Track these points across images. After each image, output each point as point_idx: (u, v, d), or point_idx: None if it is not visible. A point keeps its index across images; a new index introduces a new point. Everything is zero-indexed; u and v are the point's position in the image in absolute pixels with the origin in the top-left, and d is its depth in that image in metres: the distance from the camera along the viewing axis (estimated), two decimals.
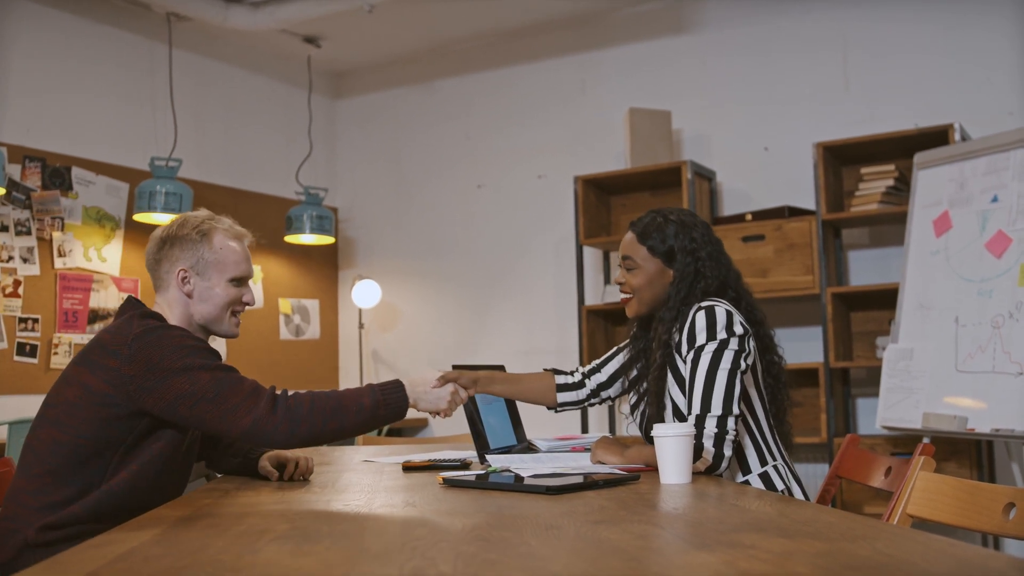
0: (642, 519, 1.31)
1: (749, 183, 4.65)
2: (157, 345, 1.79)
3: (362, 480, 1.95)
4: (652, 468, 1.88)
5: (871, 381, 4.20)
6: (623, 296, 2.24)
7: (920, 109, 4.20)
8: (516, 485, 1.65)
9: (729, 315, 2.04)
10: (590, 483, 1.66)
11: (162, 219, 4.44)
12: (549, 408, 2.45)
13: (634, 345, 2.30)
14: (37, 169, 4.37)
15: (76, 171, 4.52)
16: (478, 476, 1.79)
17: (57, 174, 4.44)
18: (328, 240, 5.34)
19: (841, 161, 4.29)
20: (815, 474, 4.22)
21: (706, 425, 1.95)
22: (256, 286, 5.21)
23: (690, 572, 0.97)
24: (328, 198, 5.64)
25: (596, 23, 5.12)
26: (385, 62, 5.75)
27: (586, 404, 2.46)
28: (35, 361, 4.28)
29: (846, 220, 4.15)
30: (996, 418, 3.12)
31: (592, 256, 4.95)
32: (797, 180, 4.40)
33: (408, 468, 2.15)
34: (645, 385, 2.19)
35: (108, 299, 4.58)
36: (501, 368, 2.54)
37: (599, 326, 4.73)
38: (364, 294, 5.38)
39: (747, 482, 2.07)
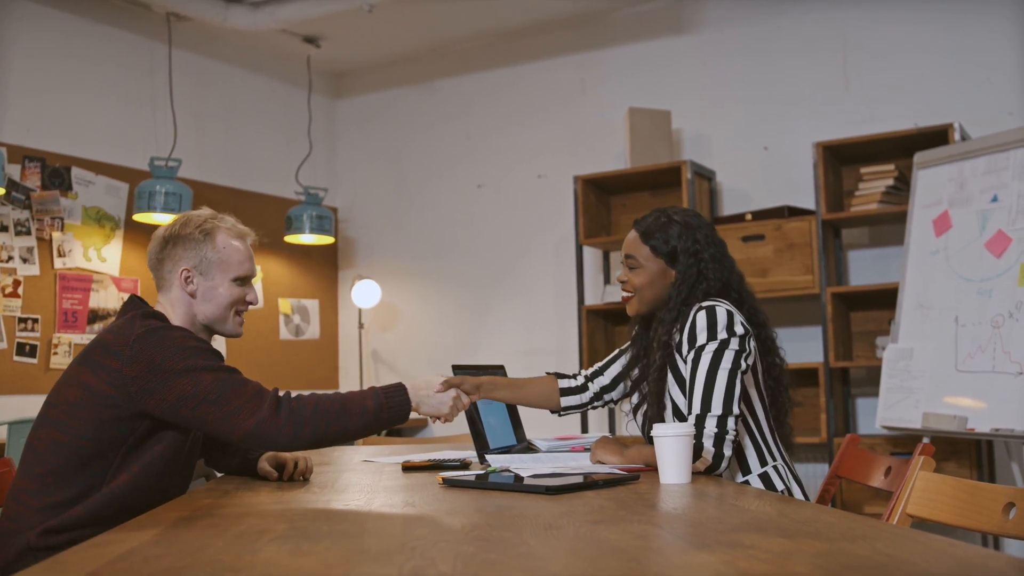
0: (642, 519, 1.31)
1: (749, 183, 4.65)
2: (159, 346, 1.77)
3: (362, 480, 1.95)
4: (652, 468, 1.88)
5: (871, 381, 4.20)
6: (624, 294, 2.24)
7: (920, 109, 4.20)
8: (516, 485, 1.64)
9: (730, 315, 2.03)
10: (590, 483, 1.66)
11: (162, 219, 4.44)
12: (552, 412, 2.45)
13: (635, 345, 2.29)
14: (37, 169, 4.37)
15: (76, 171, 4.52)
16: (478, 476, 1.79)
17: (57, 174, 4.44)
18: (328, 240, 5.34)
19: (841, 161, 4.29)
20: (815, 474, 4.22)
21: (706, 425, 1.95)
22: (256, 286, 5.19)
23: (690, 572, 0.97)
24: (328, 198, 5.64)
25: (596, 23, 5.12)
26: (385, 62, 5.75)
27: (589, 407, 2.46)
28: (35, 361, 4.28)
29: (846, 220, 4.15)
30: (996, 418, 3.12)
31: (592, 256, 4.95)
32: (797, 180, 4.40)
33: (408, 468, 2.15)
34: (646, 386, 2.19)
35: (108, 299, 4.58)
36: (501, 368, 2.55)
37: (599, 326, 4.73)
38: (364, 294, 5.38)
39: (747, 482, 2.07)
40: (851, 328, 4.26)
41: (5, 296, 4.20)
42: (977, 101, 4.13)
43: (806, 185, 4.29)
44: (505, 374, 2.54)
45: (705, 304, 2.07)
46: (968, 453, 3.66)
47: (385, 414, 1.85)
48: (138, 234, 4.70)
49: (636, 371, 2.28)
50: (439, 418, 2.01)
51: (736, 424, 1.97)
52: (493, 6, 4.96)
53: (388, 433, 4.96)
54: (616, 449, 2.07)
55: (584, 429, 4.61)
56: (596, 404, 2.45)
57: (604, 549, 1.09)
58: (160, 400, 1.75)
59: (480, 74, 5.48)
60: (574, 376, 2.45)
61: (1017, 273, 3.17)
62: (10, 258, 4.24)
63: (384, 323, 5.67)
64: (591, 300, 4.74)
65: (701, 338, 2.02)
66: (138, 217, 4.55)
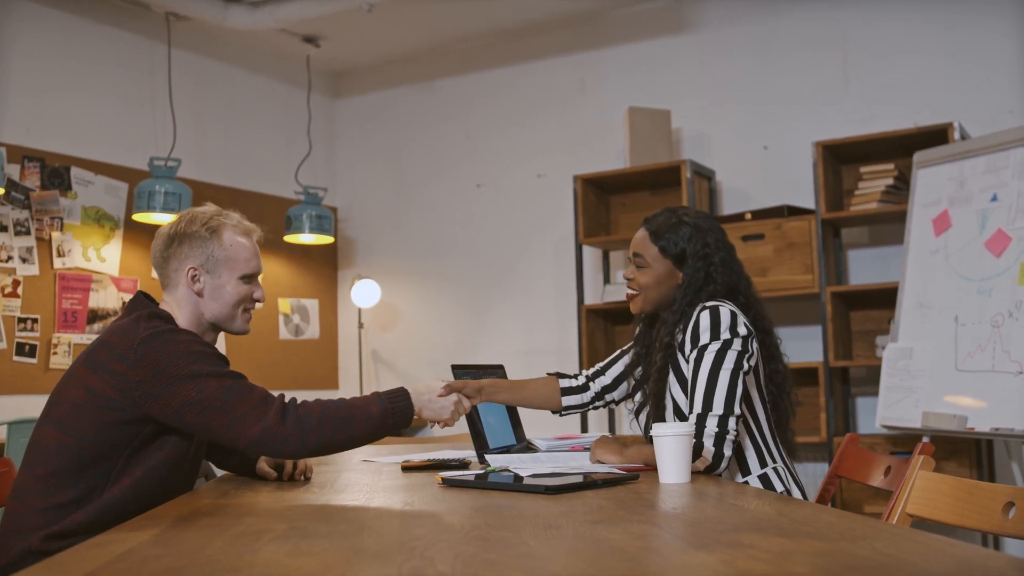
0: (641, 519, 1.31)
1: (748, 182, 4.65)
2: (163, 351, 1.75)
3: (361, 480, 1.95)
4: (651, 468, 1.88)
5: (871, 380, 4.20)
6: (629, 292, 2.23)
7: (919, 108, 4.20)
8: (515, 485, 1.64)
9: (733, 315, 2.03)
10: (589, 483, 1.66)
11: (161, 219, 4.44)
12: (553, 412, 2.45)
13: (638, 344, 2.29)
14: (36, 169, 4.36)
15: (75, 171, 4.51)
16: (477, 476, 1.79)
17: (56, 174, 4.44)
18: (327, 240, 5.34)
19: (840, 160, 4.29)
20: (815, 473, 4.22)
21: (707, 424, 1.94)
22: None
23: (689, 572, 0.96)
24: (327, 198, 5.64)
25: (595, 23, 5.12)
26: (384, 62, 5.74)
27: (590, 408, 2.45)
28: (34, 361, 4.28)
29: (845, 219, 4.15)
30: (996, 417, 3.11)
31: (592, 256, 4.94)
32: (797, 179, 4.40)
33: (407, 468, 2.15)
34: (648, 387, 2.19)
35: (107, 299, 4.58)
36: (500, 368, 2.54)
37: (599, 326, 4.73)
38: (364, 294, 5.37)
39: (746, 483, 2.07)
40: (851, 327, 4.26)
41: (5, 296, 4.20)
42: (977, 100, 4.13)
43: (806, 184, 4.29)
44: (505, 374, 2.54)
45: (709, 304, 2.06)
46: (968, 452, 3.66)
47: (390, 420, 1.84)
48: (138, 234, 4.70)
49: (639, 371, 2.28)
50: (441, 423, 2.00)
51: (737, 424, 1.97)
52: (493, 6, 4.96)
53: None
54: (616, 449, 2.07)
55: (584, 429, 4.61)
56: (597, 404, 2.44)
57: (603, 549, 1.09)
58: (164, 406, 1.73)
59: (480, 74, 5.48)
60: (575, 376, 2.45)
61: (1017, 272, 3.17)
62: (9, 258, 4.24)
63: (384, 323, 5.66)
64: (591, 300, 4.73)
65: (704, 338, 2.01)
66: (138, 217, 4.55)
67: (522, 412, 2.57)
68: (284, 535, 1.23)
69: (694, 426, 1.94)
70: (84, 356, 1.84)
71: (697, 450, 1.91)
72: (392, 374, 5.59)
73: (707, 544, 1.10)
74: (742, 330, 2.02)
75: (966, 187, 3.43)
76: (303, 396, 1.89)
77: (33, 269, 4.31)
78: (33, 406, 3.94)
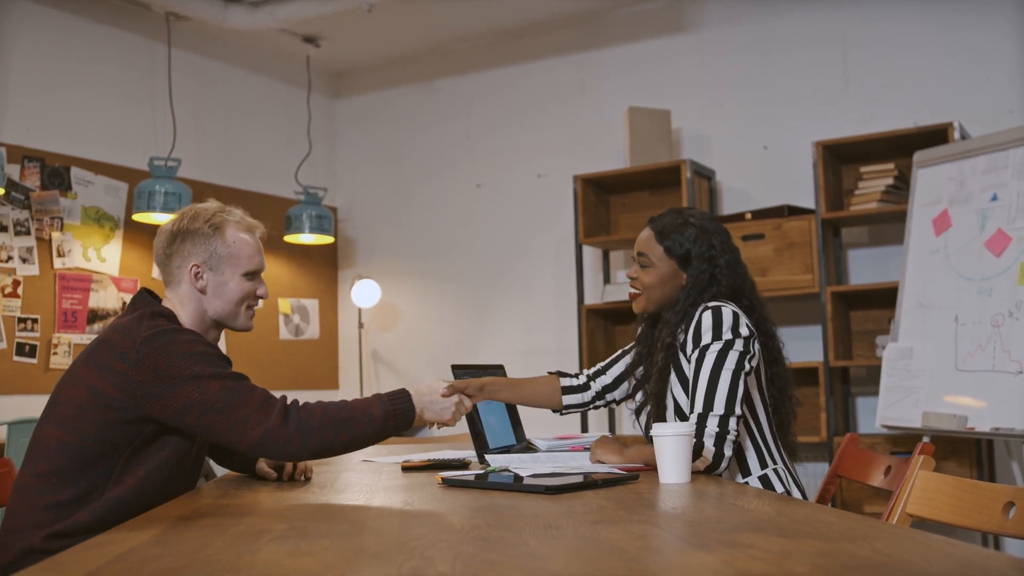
0: (641, 519, 1.31)
1: (748, 182, 4.65)
2: (165, 351, 1.74)
3: (361, 480, 1.95)
4: (652, 468, 1.88)
5: (871, 380, 4.20)
6: (632, 291, 2.23)
7: (919, 108, 4.20)
8: (515, 485, 1.64)
9: (735, 316, 2.03)
10: (589, 483, 1.66)
11: (161, 219, 4.44)
12: (554, 411, 2.45)
13: (640, 344, 2.29)
14: (36, 169, 4.37)
15: (75, 171, 4.51)
16: (477, 476, 1.79)
17: (56, 174, 4.44)
18: (327, 240, 5.34)
19: (840, 160, 4.29)
20: (815, 473, 4.21)
21: (708, 424, 1.94)
22: None
23: (688, 572, 0.96)
24: (327, 198, 5.64)
25: (595, 22, 5.12)
26: (384, 62, 5.74)
27: (591, 407, 2.45)
28: (34, 361, 4.28)
29: (846, 219, 4.15)
30: (996, 417, 3.11)
31: (592, 255, 4.94)
32: (796, 179, 4.40)
33: (407, 468, 2.15)
34: (649, 387, 2.19)
35: (107, 299, 4.58)
36: (500, 368, 2.54)
37: (599, 326, 4.73)
38: (364, 294, 5.37)
39: (746, 484, 2.06)
40: (851, 327, 4.26)
41: (5, 296, 4.20)
42: (977, 100, 4.13)
43: (806, 184, 4.29)
44: (505, 374, 2.54)
45: (711, 304, 2.06)
46: (968, 452, 3.66)
47: (392, 422, 1.83)
48: (138, 234, 4.70)
49: (640, 371, 2.28)
50: (443, 423, 2.00)
51: (738, 425, 1.96)
52: (493, 6, 4.96)
53: None
54: (616, 448, 2.07)
55: (584, 428, 4.61)
56: (598, 404, 2.44)
57: (603, 549, 1.09)
58: (166, 406, 1.72)
59: (480, 74, 5.48)
60: (576, 375, 2.45)
61: (1017, 272, 3.17)
62: (9, 258, 4.24)
63: (384, 323, 5.66)
64: (591, 300, 4.73)
65: (706, 338, 2.01)
66: (137, 217, 4.55)
67: (522, 412, 2.57)
68: (284, 535, 1.23)
69: (695, 426, 1.94)
70: (86, 354, 1.83)
71: (697, 450, 1.91)
72: (392, 374, 5.59)
73: (707, 544, 1.10)
74: (744, 331, 2.02)
75: (966, 187, 3.43)
76: (303, 397, 1.89)
77: (33, 269, 4.31)
78: (33, 406, 3.94)
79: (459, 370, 2.33)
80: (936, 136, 3.86)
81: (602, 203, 4.84)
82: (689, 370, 2.05)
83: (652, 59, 4.95)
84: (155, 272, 4.71)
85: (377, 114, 5.82)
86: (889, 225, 4.25)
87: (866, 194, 4.03)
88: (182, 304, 1.93)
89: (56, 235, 4.39)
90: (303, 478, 2.00)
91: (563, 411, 2.44)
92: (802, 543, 1.09)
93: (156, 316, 1.83)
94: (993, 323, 3.20)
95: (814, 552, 1.03)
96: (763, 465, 2.09)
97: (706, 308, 2.05)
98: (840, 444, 2.31)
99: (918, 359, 3.42)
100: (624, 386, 2.41)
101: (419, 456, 2.36)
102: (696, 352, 2.02)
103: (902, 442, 3.80)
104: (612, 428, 4.80)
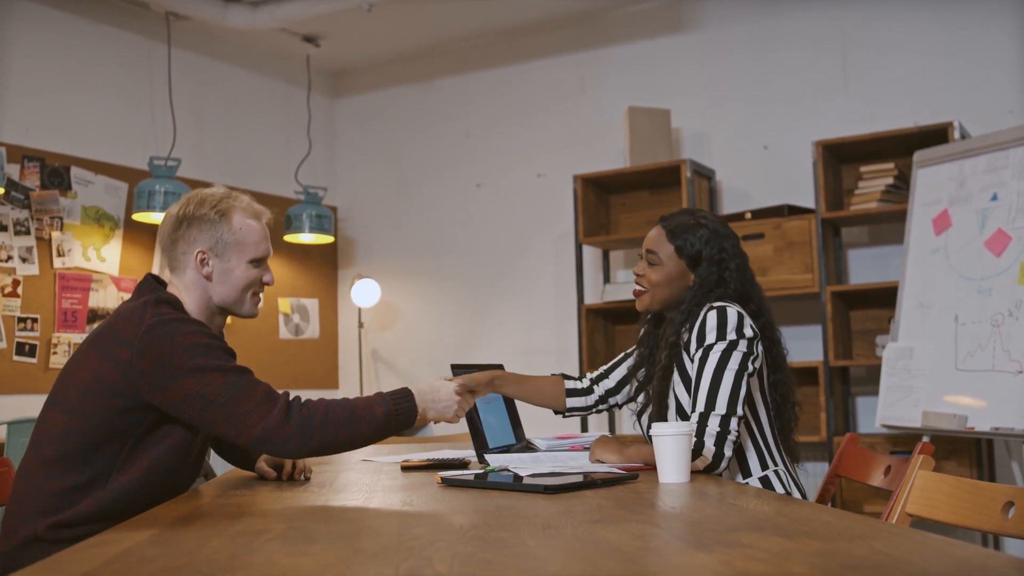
0: (640, 518, 1.30)
1: (748, 181, 4.65)
2: (169, 341, 1.72)
3: (360, 480, 1.95)
4: (651, 467, 1.88)
5: (871, 380, 4.19)
6: (637, 288, 2.22)
7: (919, 107, 4.19)
8: (514, 484, 1.64)
9: (740, 316, 2.03)
10: (588, 482, 1.65)
11: (161, 219, 4.43)
12: (557, 413, 2.45)
13: (643, 345, 2.29)
14: (36, 169, 4.36)
15: (75, 171, 4.51)
16: (476, 475, 1.79)
17: (56, 174, 4.43)
18: (327, 239, 5.34)
19: (840, 159, 4.28)
20: (815, 473, 4.21)
21: (709, 423, 1.94)
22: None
23: (687, 572, 0.96)
24: (327, 197, 5.64)
25: (595, 22, 5.12)
26: (384, 61, 5.74)
27: (594, 411, 2.46)
28: (34, 361, 4.28)
29: (845, 218, 4.15)
30: (996, 417, 3.11)
31: (591, 255, 4.94)
32: (796, 178, 4.40)
33: (406, 468, 2.14)
34: (652, 387, 2.18)
35: (107, 299, 4.58)
36: (500, 367, 2.54)
37: (599, 325, 4.73)
38: (363, 293, 5.37)
39: (746, 484, 2.06)
40: (851, 327, 4.26)
41: (4, 296, 4.20)
42: (977, 99, 4.13)
43: (806, 184, 4.29)
44: None
45: (716, 304, 2.06)
46: (968, 452, 3.66)
47: (394, 421, 1.82)
48: (137, 234, 4.70)
49: (641, 373, 2.27)
50: (446, 421, 2.00)
51: (739, 425, 1.96)
52: (493, 5, 4.96)
53: None
54: (615, 448, 2.07)
55: (584, 428, 4.61)
56: (601, 407, 2.45)
57: (602, 549, 1.09)
58: (168, 397, 1.71)
59: (480, 73, 5.48)
60: (580, 378, 2.45)
61: (1017, 272, 3.17)
62: (9, 258, 4.24)
63: (384, 322, 5.66)
64: (591, 299, 4.73)
65: (710, 337, 2.01)
66: (137, 217, 4.55)
67: (522, 412, 2.57)
68: (283, 535, 1.23)
69: (695, 425, 1.94)
70: (91, 339, 1.82)
71: (698, 449, 1.91)
72: (392, 373, 5.59)
73: (706, 544, 1.10)
74: (748, 331, 2.02)
75: (966, 186, 3.43)
76: (304, 396, 1.88)
77: (33, 269, 4.31)
78: (33, 406, 3.93)
79: (458, 369, 2.33)
80: (936, 136, 3.85)
81: (602, 203, 4.84)
82: (692, 369, 2.05)
83: (652, 59, 4.94)
84: (156, 261, 4.73)
85: (377, 114, 5.82)
86: (889, 225, 4.25)
87: (866, 194, 4.02)
88: (187, 290, 1.91)
89: (56, 235, 4.39)
90: (302, 478, 2.00)
91: (566, 413, 2.44)
92: (801, 543, 1.08)
93: (161, 303, 1.80)
94: (993, 323, 3.20)
95: (813, 552, 1.03)
96: (764, 466, 2.09)
97: (711, 308, 2.05)
98: (840, 444, 2.31)
99: (918, 359, 3.41)
100: (626, 389, 2.41)
101: (418, 456, 2.36)
102: (700, 351, 2.02)
103: (902, 442, 3.80)
104: (612, 428, 4.80)
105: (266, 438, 1.71)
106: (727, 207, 4.66)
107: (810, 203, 4.23)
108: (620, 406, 2.45)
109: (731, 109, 4.72)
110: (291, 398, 1.77)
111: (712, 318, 2.02)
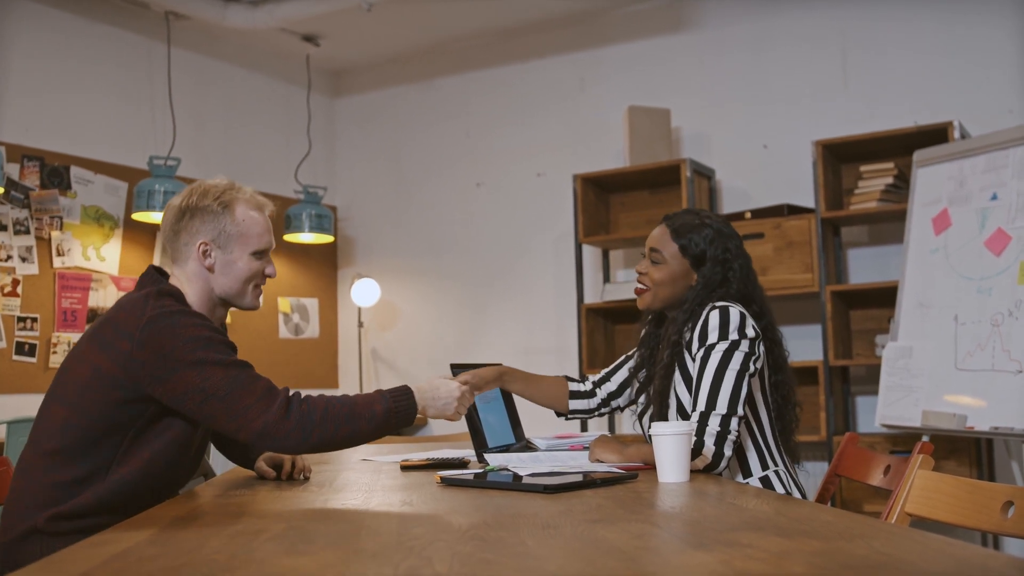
0: (639, 518, 1.30)
1: (748, 181, 4.65)
2: (170, 333, 1.71)
3: (360, 479, 1.95)
4: (651, 467, 1.88)
5: (870, 379, 4.19)
6: (639, 286, 2.22)
7: (919, 107, 4.19)
8: (514, 484, 1.64)
9: (743, 316, 2.03)
10: (588, 482, 1.65)
11: (161, 219, 4.43)
12: (559, 414, 2.46)
13: (643, 346, 2.28)
14: (36, 168, 4.36)
15: (75, 170, 4.51)
16: (476, 475, 1.79)
17: (56, 173, 4.43)
18: (327, 239, 5.34)
19: (840, 159, 4.28)
20: (814, 472, 4.21)
21: (709, 423, 1.94)
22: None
23: (687, 571, 0.96)
24: (327, 197, 5.63)
25: (595, 21, 5.12)
26: (384, 61, 5.74)
27: (596, 414, 2.46)
28: (34, 360, 4.28)
29: (845, 218, 4.15)
30: (995, 416, 3.11)
31: (591, 254, 4.94)
32: (796, 178, 4.40)
33: (406, 467, 2.14)
34: (653, 385, 2.18)
35: (107, 298, 4.58)
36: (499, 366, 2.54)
37: (598, 325, 4.72)
38: (363, 293, 5.37)
39: (747, 484, 2.06)
40: (851, 326, 4.26)
41: (4, 295, 4.20)
42: (977, 99, 4.13)
43: (805, 183, 4.29)
44: None
45: (719, 304, 2.06)
46: (967, 451, 3.66)
47: (394, 418, 1.82)
48: (137, 233, 4.69)
49: (642, 374, 2.27)
50: (446, 419, 2.00)
51: (739, 425, 1.96)
52: (492, 5, 4.95)
53: None
54: (615, 448, 2.07)
55: (583, 428, 4.61)
56: (603, 411, 2.45)
57: (601, 548, 1.09)
58: (168, 390, 1.71)
59: (479, 73, 5.47)
60: (583, 381, 2.46)
61: (1017, 271, 3.17)
62: (9, 257, 4.24)
63: (383, 322, 5.66)
64: (591, 299, 4.73)
65: (712, 337, 2.01)
66: (137, 216, 4.55)
67: (521, 411, 2.57)
68: (282, 534, 1.23)
69: (696, 424, 1.94)
70: (91, 332, 1.81)
71: (697, 448, 1.91)
72: (392, 373, 5.59)
73: (705, 544, 1.10)
74: (750, 332, 2.02)
75: (966, 186, 3.43)
76: (304, 393, 1.88)
77: (33, 268, 4.31)
78: (33, 405, 3.91)
79: (458, 368, 2.33)
80: (936, 135, 3.85)
81: (602, 202, 4.84)
82: (693, 368, 2.05)
83: (651, 58, 4.94)
84: (156, 253, 4.72)
85: (377, 113, 5.82)
86: (889, 224, 4.25)
87: (866, 193, 4.02)
88: (189, 282, 1.90)
89: (56, 234, 4.39)
90: (302, 477, 2.00)
91: (568, 416, 2.45)
92: (800, 542, 1.08)
93: (163, 295, 1.80)
94: (993, 322, 3.20)
95: (812, 551, 1.03)
96: (764, 467, 2.09)
97: (713, 307, 2.05)
98: (840, 443, 2.31)
99: (918, 358, 3.41)
100: (628, 392, 2.41)
101: (418, 455, 2.36)
102: (702, 351, 2.02)
103: (901, 441, 3.80)
104: (612, 428, 4.80)
105: (266, 433, 1.71)
106: (727, 207, 4.66)
107: (810, 203, 4.23)
108: (622, 409, 2.45)
109: (731, 109, 4.72)
110: (291, 394, 1.77)
111: (714, 318, 2.02)
